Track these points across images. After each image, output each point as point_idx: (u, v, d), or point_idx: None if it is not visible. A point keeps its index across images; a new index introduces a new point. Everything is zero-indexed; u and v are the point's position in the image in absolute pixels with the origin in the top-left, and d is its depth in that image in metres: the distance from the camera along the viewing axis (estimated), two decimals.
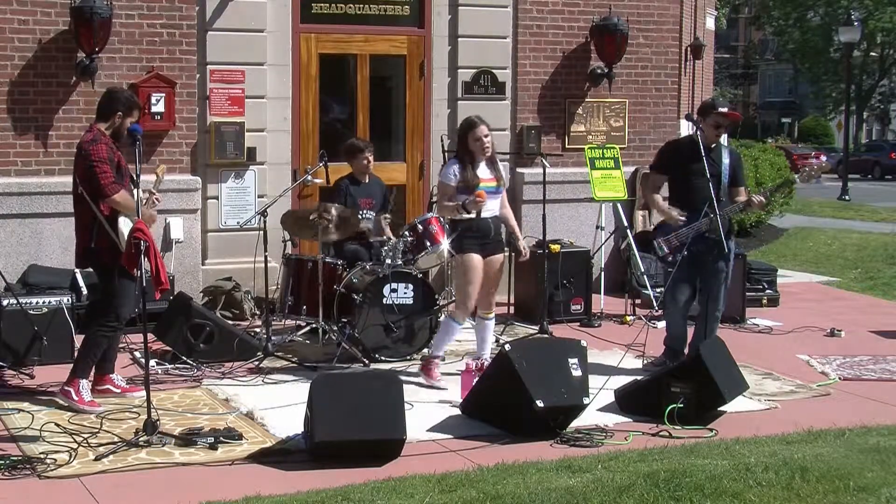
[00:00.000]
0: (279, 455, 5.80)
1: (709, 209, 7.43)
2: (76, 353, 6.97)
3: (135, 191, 6.75)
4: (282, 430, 6.17)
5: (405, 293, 8.06)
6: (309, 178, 8.57)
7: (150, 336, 6.68)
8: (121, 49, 9.28)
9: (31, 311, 7.73)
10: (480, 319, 7.55)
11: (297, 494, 5.12)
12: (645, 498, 4.98)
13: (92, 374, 6.81)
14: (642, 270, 9.79)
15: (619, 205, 10.49)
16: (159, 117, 9.35)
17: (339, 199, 8.58)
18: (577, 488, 5.10)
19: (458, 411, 6.66)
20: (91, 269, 7.05)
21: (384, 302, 8.01)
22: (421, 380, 7.39)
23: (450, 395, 7.03)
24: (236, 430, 6.08)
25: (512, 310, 9.50)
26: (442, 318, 8.13)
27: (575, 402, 6.23)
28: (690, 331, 7.96)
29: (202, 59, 9.60)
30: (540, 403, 6.05)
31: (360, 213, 8.69)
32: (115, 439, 5.92)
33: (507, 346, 6.35)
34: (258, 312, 9.25)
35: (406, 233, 8.27)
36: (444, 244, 7.62)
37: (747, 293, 10.06)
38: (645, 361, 7.95)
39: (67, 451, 5.71)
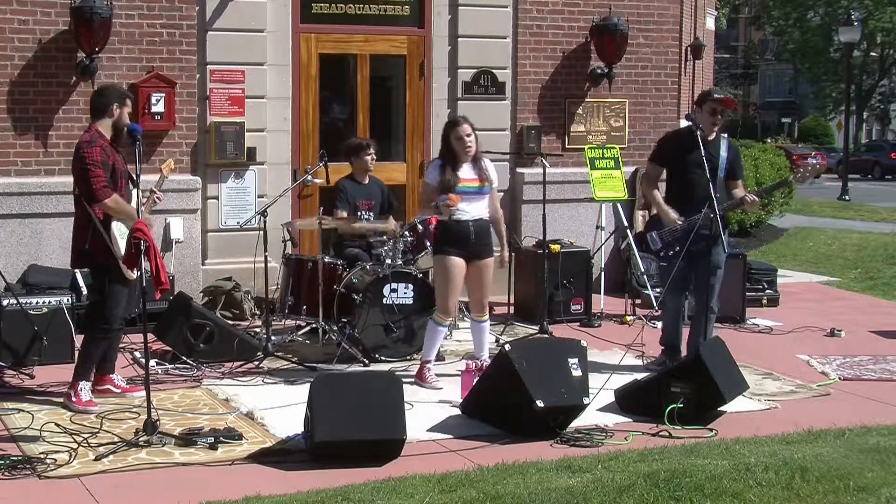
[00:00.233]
0: (279, 455, 5.79)
1: (708, 209, 7.42)
2: (76, 357, 6.97)
3: (133, 191, 6.76)
4: (282, 430, 6.17)
5: (405, 293, 8.06)
6: (309, 178, 8.56)
7: (150, 336, 6.68)
8: (121, 49, 9.28)
9: (31, 311, 7.73)
10: (474, 322, 7.53)
11: (297, 494, 5.12)
12: (645, 498, 4.98)
13: (92, 374, 6.83)
14: (642, 270, 9.79)
15: (619, 205, 10.49)
16: (159, 117, 9.35)
17: (340, 200, 8.58)
18: (577, 488, 5.10)
19: (458, 411, 6.66)
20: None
21: (384, 302, 8.01)
22: None
23: (450, 395, 7.03)
24: (236, 430, 6.08)
25: (512, 310, 9.49)
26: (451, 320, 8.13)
27: (575, 402, 6.23)
28: (686, 330, 7.97)
29: (202, 59, 9.60)
30: (540, 403, 6.05)
31: (360, 214, 8.69)
32: (115, 439, 5.92)
33: (507, 346, 6.35)
34: (258, 312, 9.25)
35: (406, 233, 8.29)
36: None
37: (747, 293, 10.05)
38: (646, 361, 7.97)
39: (67, 451, 5.71)
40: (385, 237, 8.45)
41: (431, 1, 10.39)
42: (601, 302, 9.98)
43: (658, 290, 9.15)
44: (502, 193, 10.53)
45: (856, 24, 30.76)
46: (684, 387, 6.42)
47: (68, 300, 7.93)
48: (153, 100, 9.31)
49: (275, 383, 7.38)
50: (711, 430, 6.31)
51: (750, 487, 5.11)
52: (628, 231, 10.31)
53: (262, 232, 7.99)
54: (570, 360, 6.32)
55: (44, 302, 7.85)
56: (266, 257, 7.96)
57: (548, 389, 6.13)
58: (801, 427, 6.33)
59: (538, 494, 5.01)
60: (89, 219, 6.56)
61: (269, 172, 9.90)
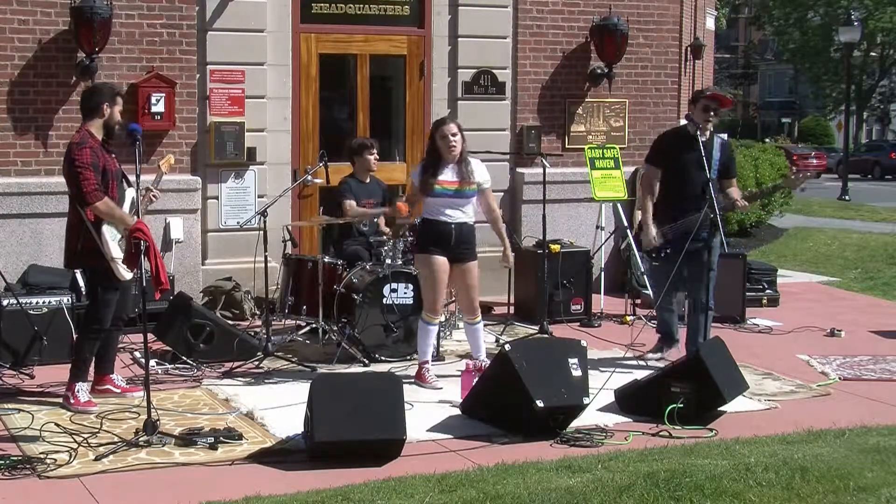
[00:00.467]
0: (279, 455, 5.79)
1: (708, 209, 7.44)
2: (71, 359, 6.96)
3: (128, 191, 6.74)
4: (282, 430, 6.17)
5: (405, 293, 8.06)
6: (309, 178, 8.56)
7: (150, 336, 6.68)
8: (121, 49, 9.28)
9: (31, 311, 7.73)
10: (468, 325, 7.53)
11: (297, 494, 5.12)
12: (645, 498, 4.98)
13: (91, 374, 6.82)
14: (642, 270, 9.79)
15: (619, 205, 10.49)
16: (159, 117, 9.35)
17: (346, 192, 8.59)
18: (577, 488, 5.10)
19: (458, 411, 6.66)
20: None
21: (384, 302, 8.01)
22: None
23: (450, 395, 7.03)
24: (236, 430, 6.08)
25: (512, 310, 9.50)
26: (441, 318, 8.15)
27: (575, 402, 6.23)
28: (683, 329, 8.02)
29: (202, 59, 9.60)
30: (540, 403, 6.05)
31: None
32: (115, 439, 5.92)
33: (507, 346, 6.35)
34: (258, 312, 9.25)
35: (406, 232, 8.29)
36: None
37: (747, 293, 10.05)
38: (647, 354, 8.07)
39: (67, 451, 5.71)
40: (385, 237, 8.45)
41: (431, 1, 10.39)
42: (601, 302, 9.98)
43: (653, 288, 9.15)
44: (502, 193, 10.57)
45: (856, 24, 30.77)
46: (684, 387, 6.42)
47: (68, 300, 7.93)
48: (153, 100, 9.31)
49: (275, 383, 7.38)
50: (711, 430, 6.31)
51: (750, 487, 5.11)
52: (628, 231, 10.30)
53: (262, 232, 7.98)
54: (570, 360, 6.32)
55: (44, 302, 7.85)
56: (266, 257, 7.95)
57: (548, 389, 6.13)
58: (801, 427, 6.33)
59: (538, 494, 5.00)
60: (81, 220, 6.54)
61: (269, 172, 9.90)
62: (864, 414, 6.68)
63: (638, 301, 9.94)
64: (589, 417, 6.44)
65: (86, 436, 5.97)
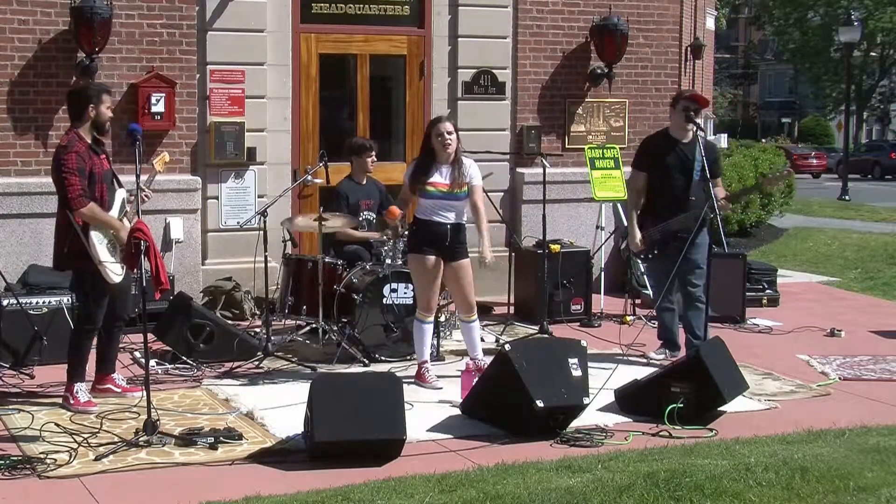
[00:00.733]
0: (279, 455, 5.79)
1: (709, 209, 7.55)
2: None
3: (118, 191, 6.70)
4: (282, 430, 6.17)
5: (405, 293, 8.06)
6: (309, 178, 8.56)
7: (150, 336, 6.68)
8: (121, 49, 9.28)
9: (31, 311, 7.73)
10: (464, 323, 7.52)
11: (297, 494, 5.12)
12: (645, 498, 4.98)
13: (89, 373, 6.82)
14: (642, 270, 9.79)
15: (619, 205, 10.48)
16: (159, 117, 9.35)
17: (340, 205, 8.57)
18: (577, 488, 5.10)
19: (458, 411, 6.66)
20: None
21: (384, 302, 8.01)
22: None
23: (450, 395, 7.03)
24: (236, 430, 6.08)
25: (512, 310, 9.50)
26: (441, 318, 8.15)
27: (575, 402, 6.23)
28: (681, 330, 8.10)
29: (202, 59, 9.60)
30: (540, 403, 6.05)
31: (361, 214, 8.70)
32: (115, 439, 5.92)
33: (507, 346, 6.35)
34: (258, 312, 9.25)
35: (406, 232, 8.28)
36: None
37: (747, 293, 10.05)
38: (651, 354, 8.13)
39: (67, 451, 5.71)
40: (385, 237, 8.45)
41: (431, 1, 10.39)
42: (601, 302, 9.98)
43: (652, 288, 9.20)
44: (502, 193, 10.57)
45: (856, 24, 30.78)
46: (684, 387, 6.42)
47: (68, 300, 7.91)
48: (153, 100, 9.31)
49: (275, 383, 7.38)
50: (711, 430, 6.31)
51: (750, 487, 5.11)
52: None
53: (262, 232, 7.99)
54: (570, 360, 6.32)
55: (44, 302, 7.85)
56: (266, 257, 7.96)
57: (548, 389, 6.12)
58: (801, 427, 6.33)
59: (538, 494, 5.00)
60: (69, 222, 6.50)
61: (269, 172, 9.90)
62: (864, 414, 6.68)
63: (638, 301, 9.94)
64: (589, 417, 6.44)
65: (86, 436, 5.96)
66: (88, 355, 6.81)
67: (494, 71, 10.60)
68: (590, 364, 6.47)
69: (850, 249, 15.01)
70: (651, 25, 11.28)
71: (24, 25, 9.00)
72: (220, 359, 7.78)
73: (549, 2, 10.80)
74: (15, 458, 5.57)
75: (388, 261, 8.19)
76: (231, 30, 9.65)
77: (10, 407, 6.63)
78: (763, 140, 42.22)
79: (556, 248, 9.54)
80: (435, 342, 7.88)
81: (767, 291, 10.70)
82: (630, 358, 8.06)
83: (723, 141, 27.20)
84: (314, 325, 8.24)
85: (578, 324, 9.57)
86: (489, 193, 9.08)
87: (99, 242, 6.47)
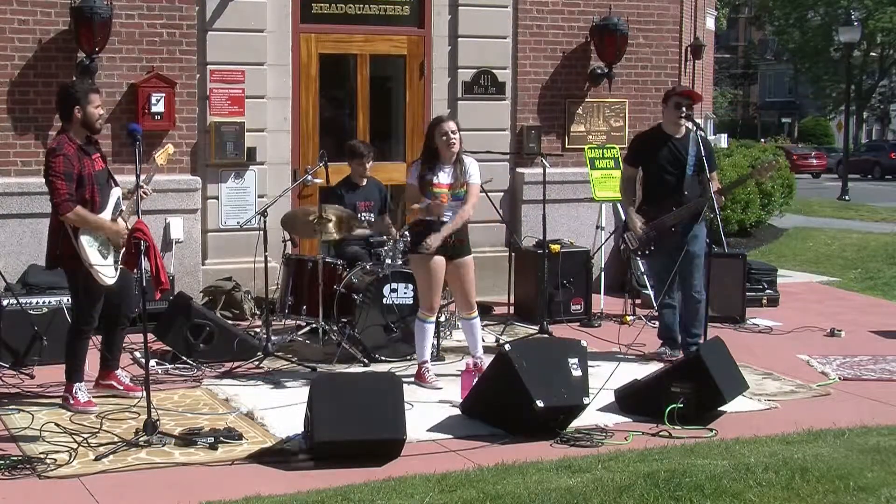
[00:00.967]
0: (279, 455, 5.79)
1: (708, 209, 7.60)
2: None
3: (113, 190, 6.69)
4: (282, 430, 6.17)
5: (405, 293, 8.06)
6: (309, 178, 8.56)
7: (150, 336, 6.68)
8: (121, 49, 9.28)
9: (31, 311, 7.73)
10: (465, 321, 7.53)
11: (297, 494, 5.12)
12: (645, 498, 4.98)
13: (90, 373, 6.82)
14: (642, 270, 9.79)
15: (619, 205, 10.48)
16: (159, 117, 9.35)
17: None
18: (577, 488, 5.10)
19: (458, 411, 6.66)
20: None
21: (384, 302, 8.01)
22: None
23: (450, 395, 7.03)
24: (236, 430, 6.07)
25: (512, 310, 9.50)
26: (441, 318, 8.15)
27: (575, 402, 6.23)
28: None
29: (202, 59, 9.61)
30: (540, 403, 6.04)
31: (360, 215, 8.69)
32: (115, 439, 5.92)
33: (507, 346, 6.35)
34: (258, 312, 9.25)
35: (406, 232, 8.29)
36: None
37: (747, 293, 10.04)
38: (649, 353, 8.16)
39: (67, 451, 5.70)
40: (385, 237, 8.46)
41: (431, 1, 10.39)
42: (601, 302, 9.98)
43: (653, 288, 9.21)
44: (502, 193, 10.57)
45: (856, 24, 30.82)
46: (684, 387, 6.41)
47: (68, 300, 7.89)
48: (153, 100, 9.32)
49: (275, 383, 7.38)
50: (711, 430, 6.31)
51: (750, 487, 5.11)
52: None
53: (262, 232, 7.99)
54: (570, 360, 6.32)
55: (44, 302, 7.85)
56: (266, 257, 7.96)
57: (548, 389, 6.12)
58: (801, 427, 6.33)
59: (538, 494, 5.00)
60: (61, 224, 6.47)
61: (269, 172, 9.90)
62: (864, 414, 6.68)
63: (638, 301, 9.94)
64: (589, 417, 6.44)
65: (86, 436, 5.96)
66: (86, 355, 6.80)
67: (494, 71, 10.60)
68: (590, 364, 6.48)
69: (850, 249, 15.00)
70: (651, 25, 11.28)
71: (24, 25, 9.00)
72: (220, 359, 7.78)
73: (549, 2, 10.80)
74: (15, 458, 5.57)
75: (388, 261, 8.19)
76: (231, 30, 9.65)
77: (10, 407, 6.63)
78: (763, 140, 42.23)
79: (556, 248, 9.54)
80: (435, 342, 7.88)
81: (767, 291, 10.70)
82: (630, 358, 8.04)
83: (723, 141, 27.22)
84: (314, 325, 8.24)
85: (578, 324, 9.57)
86: (490, 194, 9.10)
87: (89, 245, 6.43)
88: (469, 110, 10.35)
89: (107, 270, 6.50)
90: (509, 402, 6.21)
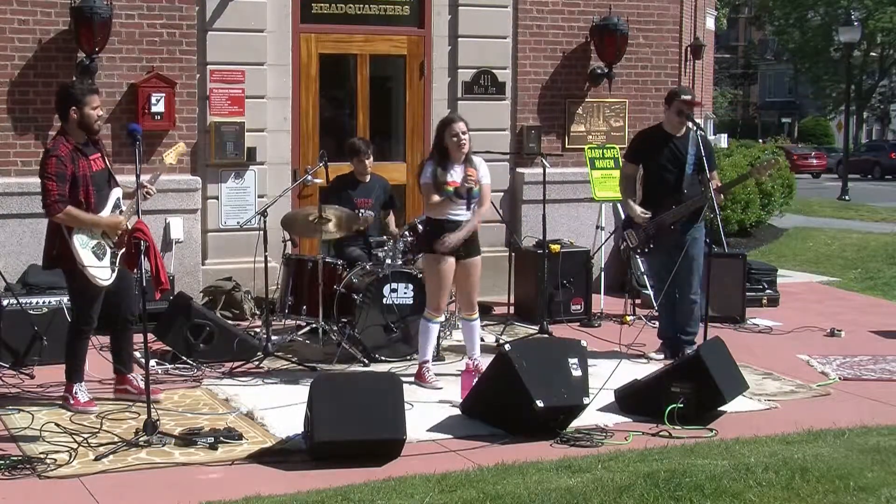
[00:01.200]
0: (279, 455, 5.79)
1: (708, 209, 7.62)
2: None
3: (113, 191, 6.69)
4: (282, 430, 6.17)
5: (405, 293, 8.07)
6: (309, 178, 8.56)
7: (151, 336, 6.68)
8: (121, 49, 9.28)
9: (31, 311, 7.73)
10: (465, 322, 7.54)
11: (297, 494, 5.12)
12: (645, 498, 4.98)
13: (90, 373, 6.81)
14: (642, 270, 9.79)
15: (619, 205, 10.48)
16: (159, 117, 9.35)
17: (329, 201, 8.56)
18: (577, 488, 5.10)
19: (458, 411, 6.66)
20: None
21: (384, 302, 8.01)
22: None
23: (450, 395, 7.03)
24: (236, 430, 6.08)
25: (512, 310, 9.49)
26: (442, 318, 8.14)
27: (575, 402, 6.23)
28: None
29: (202, 59, 9.60)
30: (540, 403, 6.05)
31: (359, 212, 8.68)
32: (115, 439, 5.92)
33: (507, 346, 6.35)
34: (258, 312, 9.25)
35: (406, 233, 8.29)
36: None
37: (747, 293, 10.04)
38: (651, 354, 8.16)
39: (67, 451, 5.71)
40: (386, 237, 8.46)
41: (431, 1, 10.39)
42: (601, 302, 9.98)
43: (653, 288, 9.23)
44: (502, 193, 10.57)
45: (856, 24, 30.82)
46: (684, 387, 6.42)
47: (68, 300, 7.89)
48: (153, 100, 9.31)
49: (275, 383, 7.38)
50: (711, 430, 6.31)
51: (750, 487, 5.11)
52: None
53: (262, 232, 7.99)
54: (570, 360, 6.32)
55: (44, 302, 7.85)
56: (266, 257, 7.96)
57: (548, 389, 6.13)
58: (801, 427, 6.33)
59: (538, 494, 5.00)
60: (58, 224, 6.47)
61: (269, 172, 9.90)
62: (864, 414, 6.68)
63: (638, 301, 9.94)
64: (589, 417, 6.44)
65: (86, 436, 5.96)
66: (86, 355, 6.79)
67: (494, 71, 10.60)
68: (590, 364, 6.48)
69: (850, 249, 15.00)
70: (651, 25, 11.28)
71: (24, 25, 9.00)
72: (220, 359, 7.78)
73: (549, 2, 10.80)
74: (15, 458, 5.57)
75: (388, 261, 8.19)
76: (231, 30, 9.65)
77: (10, 407, 6.63)
78: (763, 140, 42.21)
79: (556, 248, 9.54)
80: (435, 342, 7.87)
81: (767, 291, 10.70)
82: (630, 357, 8.05)
83: (723, 141, 27.21)
84: (314, 325, 8.24)
85: (578, 324, 9.57)
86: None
87: (82, 246, 6.40)
88: (469, 110, 10.30)
89: (101, 272, 6.47)
90: (509, 402, 6.21)
